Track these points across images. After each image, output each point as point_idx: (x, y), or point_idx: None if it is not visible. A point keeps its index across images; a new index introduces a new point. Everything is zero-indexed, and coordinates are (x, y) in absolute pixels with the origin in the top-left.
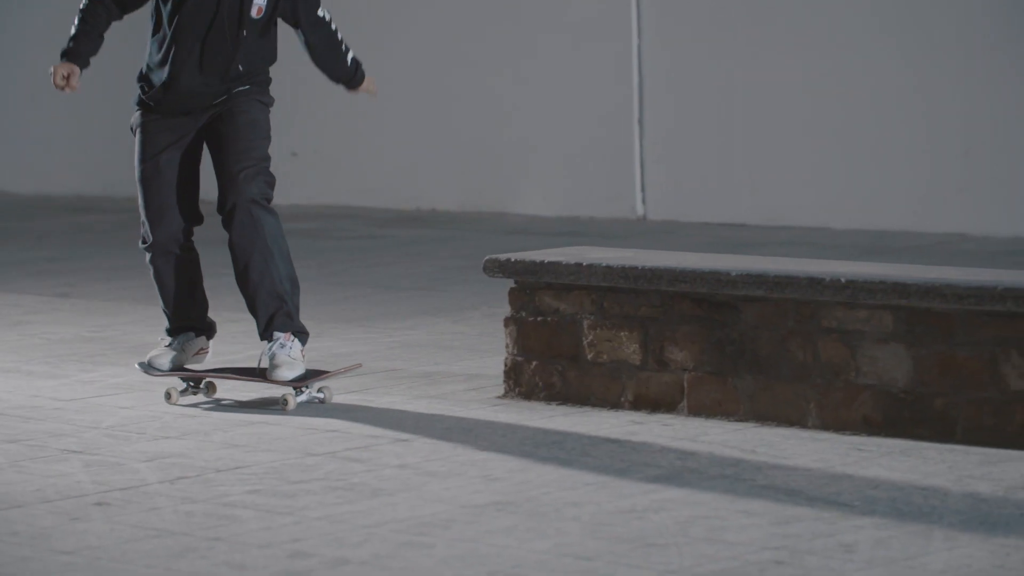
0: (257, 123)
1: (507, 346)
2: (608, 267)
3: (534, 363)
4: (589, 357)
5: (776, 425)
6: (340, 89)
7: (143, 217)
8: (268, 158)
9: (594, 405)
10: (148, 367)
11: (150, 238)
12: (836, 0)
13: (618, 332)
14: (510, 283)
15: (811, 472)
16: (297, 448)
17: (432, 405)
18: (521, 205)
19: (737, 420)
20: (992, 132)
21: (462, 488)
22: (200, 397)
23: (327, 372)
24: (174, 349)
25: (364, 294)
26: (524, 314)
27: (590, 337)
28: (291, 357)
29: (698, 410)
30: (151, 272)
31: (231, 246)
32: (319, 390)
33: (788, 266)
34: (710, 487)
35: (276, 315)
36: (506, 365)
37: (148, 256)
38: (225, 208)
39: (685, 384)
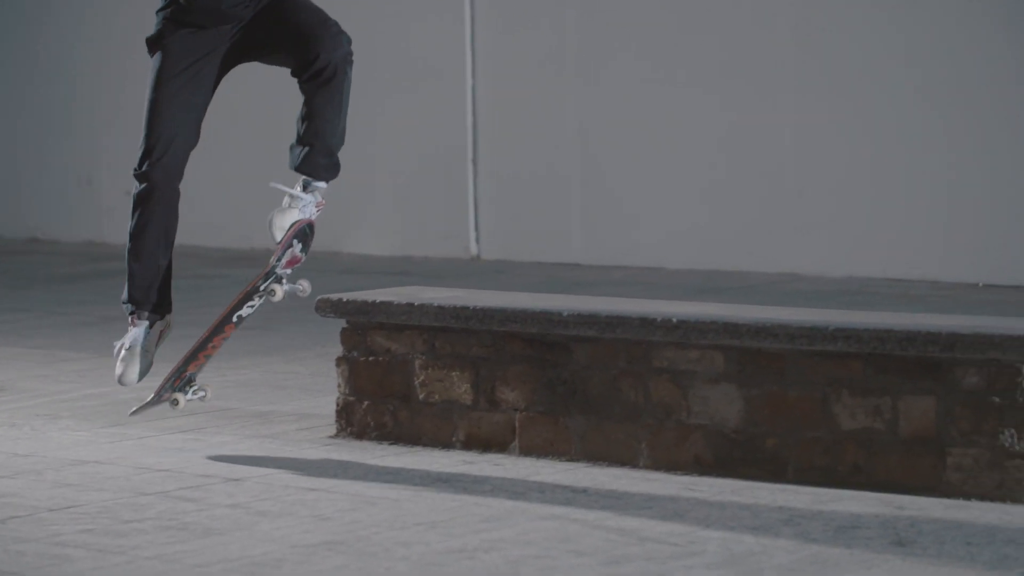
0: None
1: (339, 386)
2: (440, 307)
3: (366, 403)
4: (421, 397)
5: (607, 465)
6: None
7: (143, 145)
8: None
9: (426, 445)
10: (123, 383)
11: (149, 175)
12: (655, 44)
13: (449, 372)
14: (342, 323)
15: (642, 512)
16: (129, 487)
17: (264, 445)
18: (354, 244)
19: (568, 460)
20: (824, 172)
21: (293, 528)
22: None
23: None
24: (141, 352)
25: (197, 334)
26: (356, 354)
27: (422, 377)
28: (302, 212)
29: (529, 450)
30: (140, 220)
31: (313, 94)
32: (197, 390)
33: (620, 306)
34: (541, 527)
35: (328, 164)
36: (338, 405)
37: (141, 189)
38: (315, 64)
39: (516, 424)
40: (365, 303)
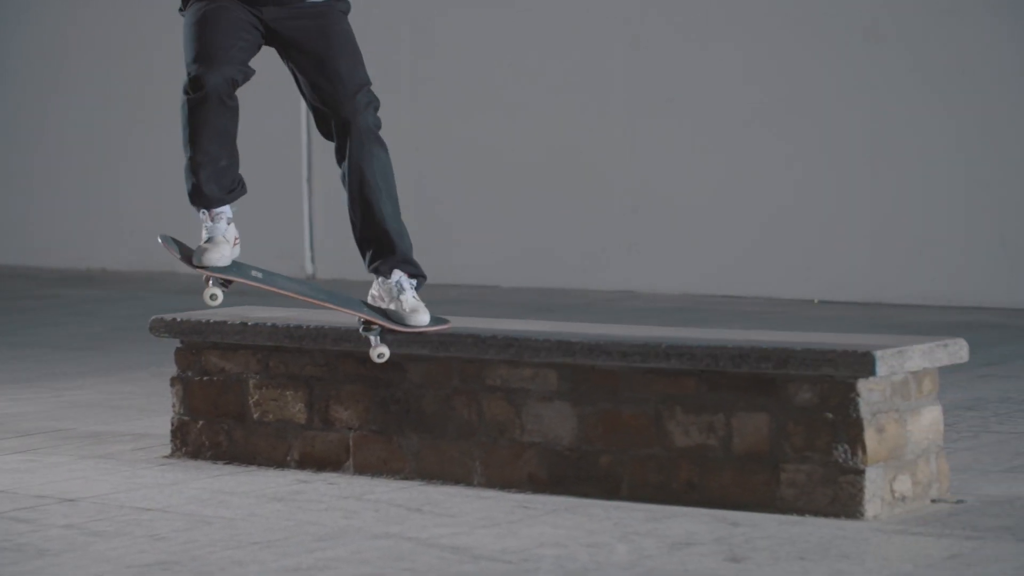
0: (351, 37)
1: (174, 406)
2: (273, 326)
3: (201, 422)
4: (255, 416)
5: (442, 483)
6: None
7: (190, 56)
8: (368, 80)
9: (260, 464)
10: (204, 264)
11: (201, 79)
12: (486, 65)
13: (283, 391)
14: (176, 343)
15: (476, 530)
16: None
17: (99, 465)
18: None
19: (403, 478)
20: (656, 190)
21: (128, 548)
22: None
23: (447, 321)
24: (223, 239)
25: (33, 354)
26: (190, 374)
27: (256, 396)
28: (418, 300)
29: (364, 468)
30: (192, 125)
31: (344, 173)
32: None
33: (454, 325)
34: (375, 546)
35: (389, 256)
36: (173, 425)
37: (194, 103)
38: (335, 134)
39: (351, 443)
40: (199, 323)
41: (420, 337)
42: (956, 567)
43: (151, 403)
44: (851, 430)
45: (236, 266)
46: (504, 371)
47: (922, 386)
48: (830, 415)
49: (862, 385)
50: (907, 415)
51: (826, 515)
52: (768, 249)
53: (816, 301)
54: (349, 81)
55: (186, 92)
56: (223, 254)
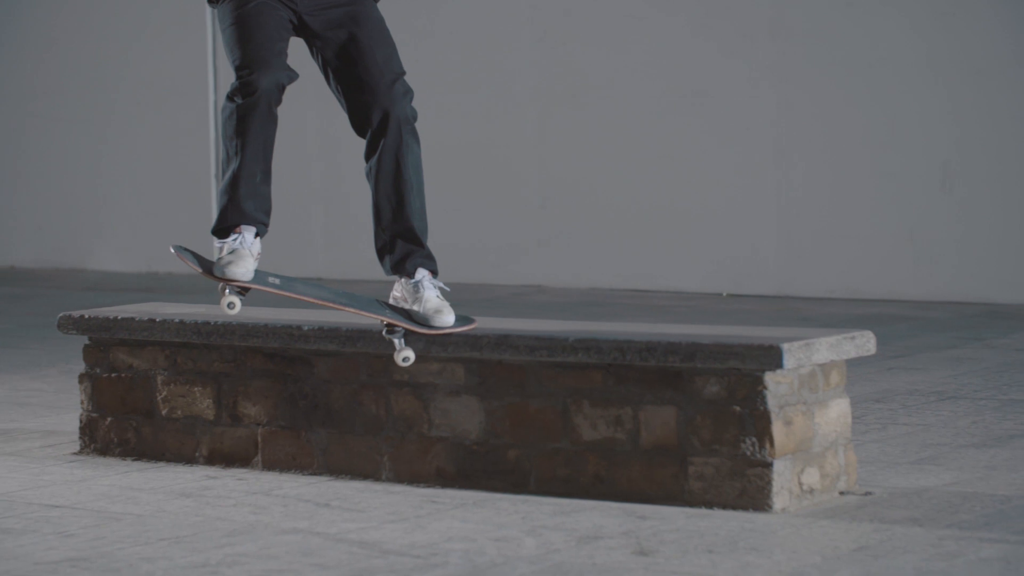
0: (384, 25)
1: (82, 402)
2: (181, 323)
3: (109, 419)
4: (163, 413)
5: (350, 478)
6: None
7: (239, 59)
8: (404, 70)
9: (169, 460)
10: (227, 276)
11: (254, 83)
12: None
13: (191, 387)
14: (84, 340)
15: (384, 525)
16: None
17: (7, 462)
18: (99, 261)
19: (311, 474)
20: (564, 184)
21: (36, 545)
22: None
23: (472, 321)
24: (248, 252)
25: None
26: (98, 370)
27: (164, 393)
28: (441, 299)
29: (272, 464)
30: (240, 133)
31: (375, 165)
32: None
33: (361, 320)
34: (283, 541)
35: (415, 253)
36: (82, 421)
37: (243, 110)
38: (371, 125)
39: (259, 438)
40: (107, 319)
41: (445, 338)
42: (864, 559)
43: (60, 400)
44: (758, 423)
45: (255, 273)
46: (411, 366)
47: (829, 379)
48: (737, 408)
49: (769, 378)
50: (815, 408)
51: (734, 508)
52: (676, 243)
53: (724, 294)
54: (386, 70)
55: (232, 98)
56: (248, 267)
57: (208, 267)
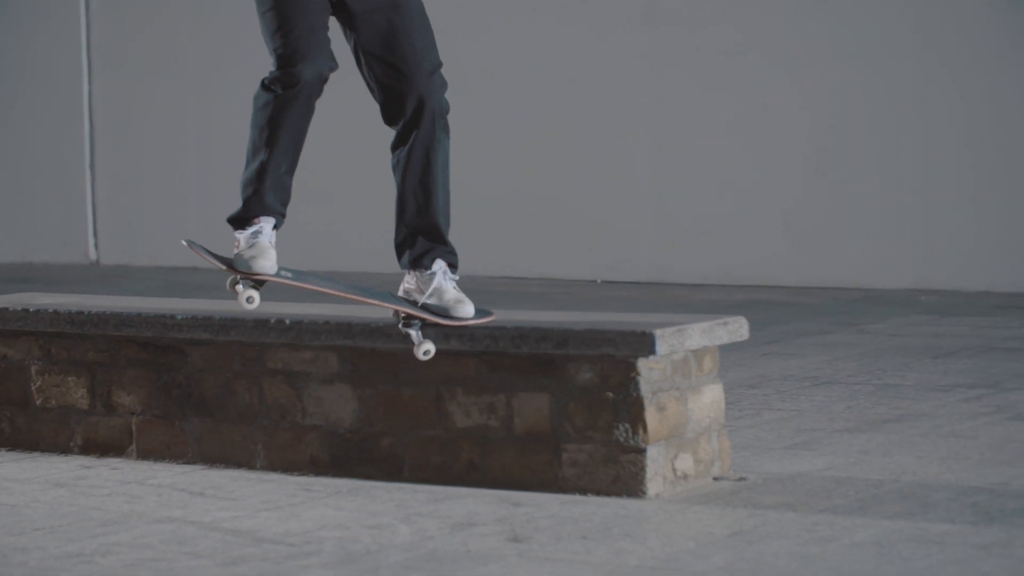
0: (424, 12)
1: None
2: (55, 312)
3: None
4: (38, 403)
5: (225, 467)
6: None
7: (280, 49)
8: (440, 61)
9: (44, 450)
10: (253, 270)
11: (297, 74)
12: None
13: (66, 377)
14: None
15: (259, 513)
16: None
17: None
18: None
19: (186, 463)
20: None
21: None
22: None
23: (491, 313)
24: (270, 245)
25: None
26: None
27: (38, 383)
28: (459, 291)
29: (147, 453)
30: (273, 126)
31: (403, 158)
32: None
33: (234, 308)
34: (158, 530)
35: (436, 249)
36: None
37: (283, 101)
38: (403, 115)
39: (133, 428)
40: None
41: (462, 331)
42: (738, 544)
43: None
44: (632, 409)
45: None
46: (285, 354)
47: (702, 364)
48: (611, 394)
49: (642, 364)
50: (688, 393)
51: (608, 494)
52: (551, 230)
53: (600, 281)
54: (424, 59)
55: (271, 88)
56: (272, 260)
57: (228, 262)
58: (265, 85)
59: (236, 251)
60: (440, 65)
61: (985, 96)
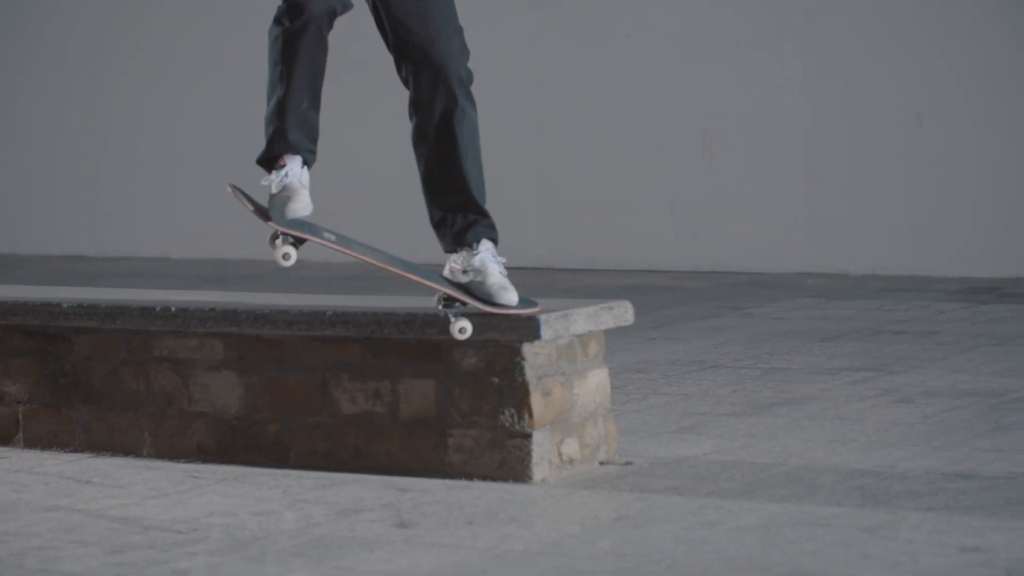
0: None
1: None
2: None
3: None
4: None
5: (112, 455)
6: None
7: None
8: (461, 27)
9: None
10: (288, 217)
11: (303, 6)
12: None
13: None
14: None
15: (146, 500)
16: None
17: None
18: None
19: (73, 451)
20: (332, 157)
21: None
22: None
23: (536, 304)
24: (300, 185)
25: None
26: None
27: None
28: (505, 276)
29: (34, 442)
30: (286, 59)
31: (428, 130)
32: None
33: (121, 296)
34: (45, 519)
35: (477, 223)
36: None
37: (291, 34)
38: (421, 81)
39: (20, 416)
40: None
41: (347, 317)
42: (624, 528)
43: None
44: (517, 394)
45: (308, 224)
46: (171, 342)
47: (588, 349)
48: (496, 380)
49: (527, 349)
50: (573, 378)
51: (494, 479)
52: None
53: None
54: (444, 24)
55: (280, 22)
56: (305, 201)
57: (265, 213)
58: (276, 18)
59: (271, 195)
60: (460, 30)
61: (867, 78)
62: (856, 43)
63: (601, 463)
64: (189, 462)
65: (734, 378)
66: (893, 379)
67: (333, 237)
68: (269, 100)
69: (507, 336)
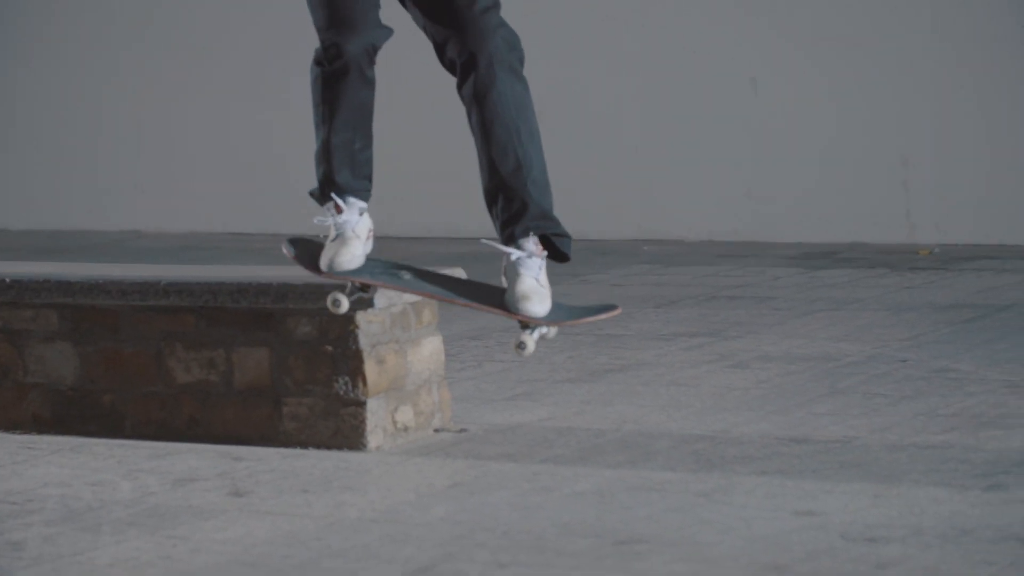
0: None
1: None
2: None
3: None
4: None
5: None
6: None
7: (321, 21)
8: (499, 3)
9: None
10: (334, 270)
11: (340, 48)
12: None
13: None
14: None
15: None
16: None
17: None
18: None
19: None
20: (158, 129)
21: None
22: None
23: (612, 309)
24: (353, 235)
25: None
26: None
27: None
28: (541, 284)
29: None
30: (327, 100)
31: (469, 111)
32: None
33: None
34: None
35: (523, 215)
36: None
37: (330, 76)
38: (458, 60)
39: None
40: None
41: (181, 287)
42: (459, 495)
43: None
44: (351, 362)
45: (371, 264)
46: (5, 313)
47: (422, 316)
48: (330, 348)
49: (361, 317)
50: (407, 346)
51: (329, 447)
52: (274, 186)
53: (323, 236)
54: (473, 5)
55: (320, 63)
56: (354, 254)
57: (315, 258)
58: (315, 60)
59: (327, 240)
60: (495, 5)
61: (702, 44)
62: (691, 10)
63: (436, 430)
64: (24, 433)
65: (569, 345)
66: (728, 344)
67: (408, 276)
68: (316, 139)
69: None
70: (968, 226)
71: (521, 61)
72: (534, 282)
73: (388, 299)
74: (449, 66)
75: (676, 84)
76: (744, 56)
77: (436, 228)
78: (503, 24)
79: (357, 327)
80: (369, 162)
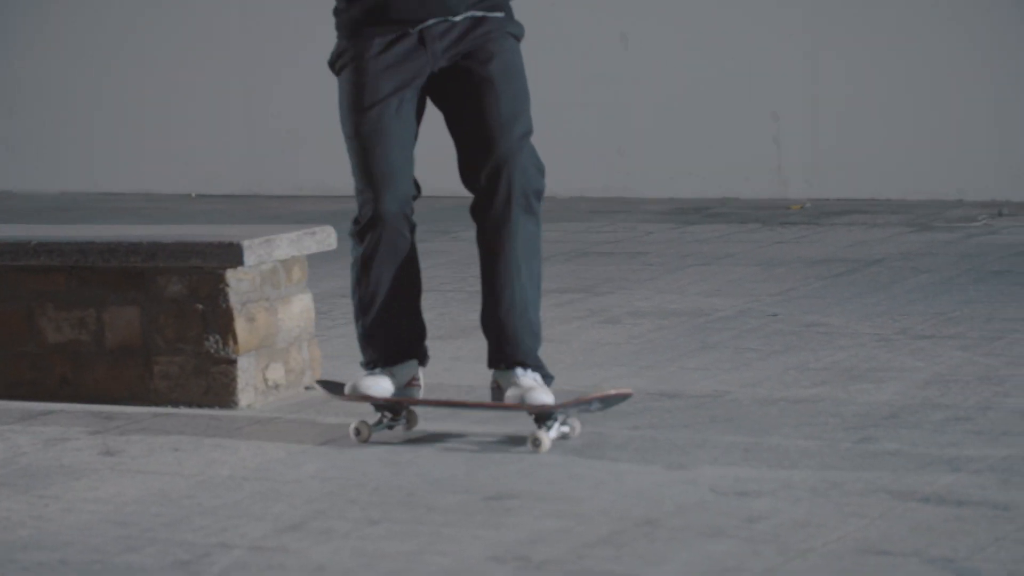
0: (517, 71)
1: None
2: None
3: None
4: None
5: None
6: None
7: (360, 185)
8: (532, 129)
9: None
10: (357, 392)
11: (375, 210)
12: None
13: None
14: None
15: None
16: None
17: None
18: None
19: None
20: (36, 88)
21: None
22: (398, 431)
23: (592, 394)
24: (386, 375)
25: None
26: None
27: None
28: (537, 381)
29: None
30: (366, 269)
31: (479, 235)
32: (565, 421)
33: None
34: None
35: (516, 349)
36: None
37: (367, 240)
38: (478, 184)
39: None
40: None
41: (52, 247)
42: (329, 452)
43: None
44: (221, 320)
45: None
46: None
47: (292, 274)
48: (200, 306)
49: (231, 275)
50: (277, 304)
51: (200, 406)
52: (147, 146)
53: (194, 195)
54: (507, 127)
55: (360, 236)
56: (383, 386)
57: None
58: (354, 230)
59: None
60: (527, 133)
61: (579, 5)
62: None
63: (306, 388)
64: None
65: (440, 302)
66: (600, 300)
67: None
68: (359, 318)
69: (210, 263)
70: (839, 181)
71: (539, 195)
72: (531, 380)
73: (258, 257)
74: (468, 185)
75: (547, 40)
76: (614, 11)
77: (307, 186)
78: (532, 153)
79: (227, 285)
80: (415, 327)
